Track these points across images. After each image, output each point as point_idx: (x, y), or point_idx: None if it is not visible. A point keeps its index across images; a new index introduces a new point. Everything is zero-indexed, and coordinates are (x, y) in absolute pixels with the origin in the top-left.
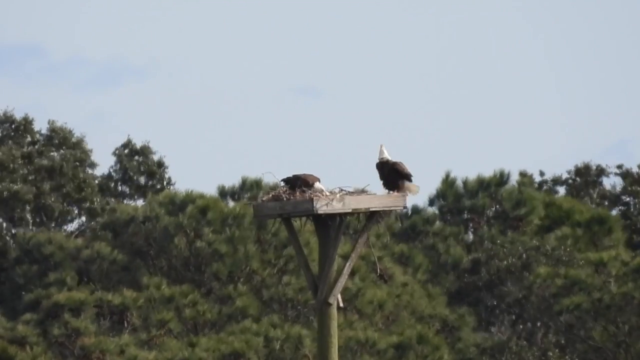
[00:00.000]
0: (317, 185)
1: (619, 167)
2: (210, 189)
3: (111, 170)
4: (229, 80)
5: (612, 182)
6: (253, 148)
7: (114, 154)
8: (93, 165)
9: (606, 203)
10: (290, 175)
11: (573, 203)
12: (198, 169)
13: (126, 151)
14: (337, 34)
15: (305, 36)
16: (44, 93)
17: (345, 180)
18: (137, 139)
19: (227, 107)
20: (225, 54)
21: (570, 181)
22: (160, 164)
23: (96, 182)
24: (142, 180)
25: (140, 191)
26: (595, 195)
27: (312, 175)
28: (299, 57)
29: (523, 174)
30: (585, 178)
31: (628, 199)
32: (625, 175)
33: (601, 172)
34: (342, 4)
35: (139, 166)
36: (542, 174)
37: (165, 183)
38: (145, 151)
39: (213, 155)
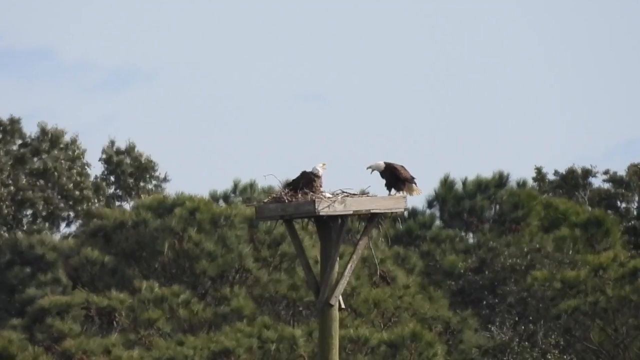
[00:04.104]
0: (316, 169)
1: (606, 172)
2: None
3: (101, 174)
4: (234, 86)
5: (599, 185)
6: (257, 152)
7: (101, 158)
8: (87, 164)
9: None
10: (291, 179)
11: (570, 204)
12: (205, 174)
13: (109, 155)
14: (341, 42)
15: (311, 44)
16: (53, 96)
17: (347, 182)
18: (120, 140)
19: (232, 113)
20: (230, 60)
21: (562, 187)
22: (150, 162)
23: (91, 181)
24: (133, 180)
25: (133, 191)
26: (585, 197)
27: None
28: (305, 64)
29: (539, 170)
30: (574, 182)
31: (615, 201)
32: (613, 180)
33: (587, 173)
34: (344, 11)
35: (129, 166)
36: (538, 171)
37: (160, 181)
38: (131, 151)
39: (218, 160)
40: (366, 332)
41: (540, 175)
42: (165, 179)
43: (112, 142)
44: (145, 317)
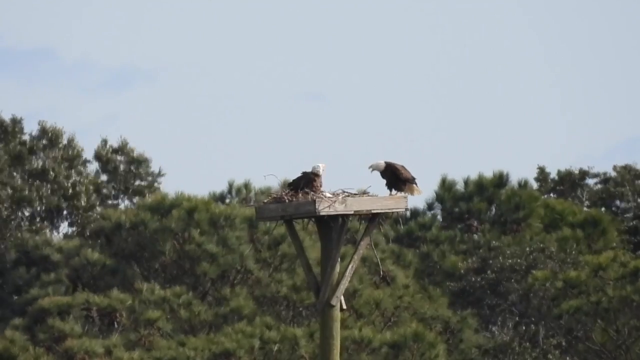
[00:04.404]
0: (317, 167)
1: (597, 175)
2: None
3: (94, 173)
4: (234, 86)
5: (596, 186)
6: (258, 152)
7: (95, 158)
8: (87, 161)
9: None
10: (292, 179)
11: (567, 205)
12: (206, 174)
13: (101, 154)
14: (341, 42)
15: (311, 43)
16: (54, 96)
17: (347, 182)
18: (113, 139)
19: (233, 113)
20: (231, 60)
21: (557, 188)
22: (143, 159)
23: (89, 180)
24: (125, 174)
25: (130, 189)
26: (584, 198)
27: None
28: (305, 64)
29: (541, 169)
30: (571, 183)
31: (612, 201)
32: (605, 181)
33: (584, 174)
34: (345, 10)
35: (122, 163)
36: (541, 171)
37: (154, 176)
38: (123, 148)
39: (219, 160)
40: (370, 333)
41: (543, 175)
42: (160, 174)
43: (105, 141)
44: (146, 318)
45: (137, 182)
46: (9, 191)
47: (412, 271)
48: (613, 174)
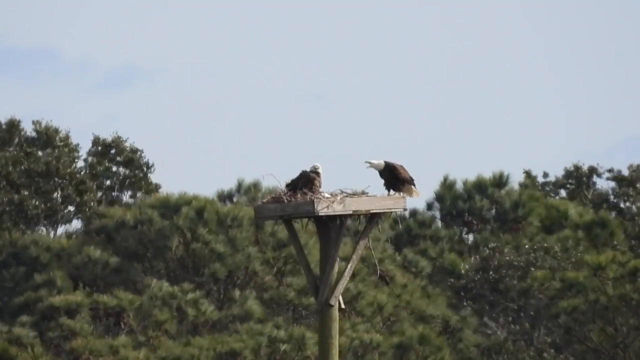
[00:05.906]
0: (315, 165)
1: (610, 170)
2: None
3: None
4: (236, 85)
5: (603, 186)
6: (259, 152)
7: (86, 158)
8: (78, 158)
9: (605, 205)
10: (290, 179)
11: (570, 205)
12: (207, 174)
13: (99, 148)
14: (342, 43)
15: (313, 44)
16: (54, 96)
17: (347, 182)
18: (105, 134)
19: (234, 112)
20: (232, 60)
21: (567, 185)
22: (135, 151)
23: (88, 178)
24: (122, 171)
25: (124, 184)
26: (590, 197)
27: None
28: (307, 64)
29: (527, 173)
30: (577, 180)
31: (619, 201)
32: (617, 178)
33: (593, 171)
34: (346, 11)
35: (116, 155)
36: (545, 175)
37: (145, 169)
38: (117, 143)
39: (219, 160)
40: (376, 336)
41: (530, 179)
42: (149, 168)
43: (98, 138)
44: (153, 317)
45: (128, 172)
46: (9, 189)
47: (422, 278)
48: (624, 170)
